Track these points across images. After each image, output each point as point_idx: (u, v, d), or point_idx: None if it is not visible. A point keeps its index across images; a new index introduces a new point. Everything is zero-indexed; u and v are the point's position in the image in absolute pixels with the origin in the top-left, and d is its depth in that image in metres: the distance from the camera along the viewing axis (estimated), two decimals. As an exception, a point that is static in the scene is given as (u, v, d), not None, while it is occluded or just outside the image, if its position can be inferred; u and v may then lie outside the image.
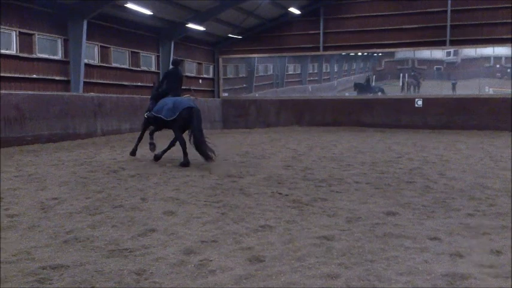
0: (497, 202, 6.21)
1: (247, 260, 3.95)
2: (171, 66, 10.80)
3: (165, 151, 10.05)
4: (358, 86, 24.71)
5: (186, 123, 9.70)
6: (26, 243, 4.30)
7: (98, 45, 18.33)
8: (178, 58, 11.74)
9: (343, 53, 24.92)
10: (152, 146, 10.15)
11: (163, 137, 11.88)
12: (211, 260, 3.92)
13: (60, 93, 15.61)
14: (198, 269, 3.73)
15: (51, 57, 16.28)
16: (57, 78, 16.37)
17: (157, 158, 9.96)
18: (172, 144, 10.04)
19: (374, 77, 24.48)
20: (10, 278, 3.46)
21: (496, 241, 4.48)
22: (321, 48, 24.96)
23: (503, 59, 22.22)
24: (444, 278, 3.53)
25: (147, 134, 10.62)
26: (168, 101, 9.87)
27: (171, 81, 10.38)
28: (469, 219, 5.31)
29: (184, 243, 4.38)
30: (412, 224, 5.10)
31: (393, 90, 23.97)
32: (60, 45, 16.55)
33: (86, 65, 17.19)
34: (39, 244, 4.29)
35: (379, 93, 24.21)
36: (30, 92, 14.06)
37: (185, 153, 9.61)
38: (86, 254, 4.04)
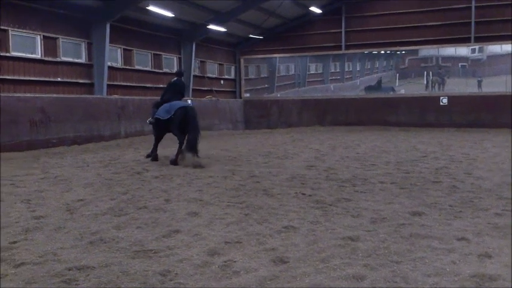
0: (526, 201, 6.04)
1: (271, 261, 3.92)
2: (174, 78, 11.37)
3: (177, 154, 10.17)
4: (369, 89, 24.57)
5: (182, 121, 10.11)
6: (52, 245, 4.35)
7: (120, 48, 18.57)
8: (182, 70, 12.79)
9: (366, 52, 24.67)
10: (153, 156, 10.65)
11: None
12: (235, 261, 3.90)
13: (84, 96, 15.88)
14: (222, 270, 3.71)
15: (75, 60, 16.55)
16: (81, 81, 16.64)
17: (172, 162, 10.01)
18: (180, 146, 10.20)
19: (398, 75, 24.17)
20: (37, 279, 3.51)
21: (525, 241, 4.36)
22: (343, 47, 24.76)
23: (530, 55, 21.68)
24: (472, 279, 3.46)
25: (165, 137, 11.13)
26: (166, 104, 10.48)
27: (173, 91, 10.96)
28: (497, 219, 5.18)
29: (208, 244, 4.37)
30: (439, 225, 5.00)
31: (417, 88, 23.62)
32: (83, 49, 16.82)
33: (109, 67, 17.43)
34: (66, 245, 4.33)
35: (391, 93, 24.01)
36: (54, 95, 14.34)
37: (178, 153, 10.07)
38: (111, 255, 4.06)
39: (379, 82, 24.46)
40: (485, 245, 4.28)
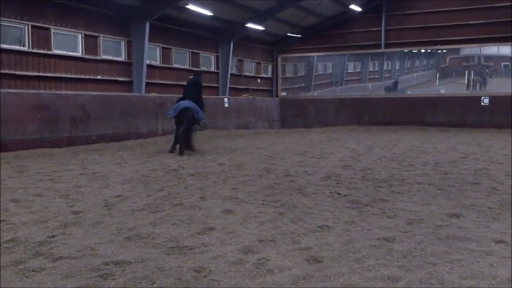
0: None
1: (305, 260, 3.91)
2: (192, 76, 13.02)
3: (181, 146, 11.52)
4: (387, 90, 24.52)
5: (182, 119, 11.63)
6: (89, 239, 4.47)
7: (159, 46, 18.89)
8: (200, 70, 15.43)
9: (406, 50, 24.17)
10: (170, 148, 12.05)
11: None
12: (269, 260, 3.91)
13: (123, 93, 16.25)
14: (256, 268, 3.73)
15: (115, 58, 16.93)
16: (121, 79, 17.01)
17: (180, 152, 11.37)
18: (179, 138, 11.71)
19: (438, 74, 23.58)
20: (74, 273, 3.61)
21: None
22: (383, 45, 24.34)
23: None
24: (510, 283, 3.37)
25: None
26: (176, 104, 12.01)
27: (190, 89, 12.37)
28: (539, 223, 5.00)
29: (242, 242, 4.40)
30: (477, 227, 4.87)
31: (458, 88, 22.97)
32: (123, 47, 17.18)
33: (148, 66, 17.74)
34: (103, 240, 4.45)
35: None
36: (94, 93, 14.73)
37: (174, 143, 11.92)
38: (147, 250, 4.15)
39: (396, 83, 24.39)
40: (524, 248, 4.14)
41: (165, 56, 19.31)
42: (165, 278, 3.50)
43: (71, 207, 5.78)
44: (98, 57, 16.20)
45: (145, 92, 17.37)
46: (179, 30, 19.61)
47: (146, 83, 17.52)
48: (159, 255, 4.01)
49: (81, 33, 15.58)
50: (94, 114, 13.87)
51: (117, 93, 15.95)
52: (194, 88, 12.40)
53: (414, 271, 3.62)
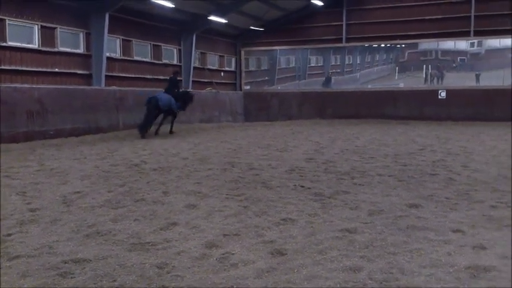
0: (521, 194, 6.06)
1: (269, 253, 3.92)
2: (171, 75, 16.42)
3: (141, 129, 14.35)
4: (323, 85, 25.48)
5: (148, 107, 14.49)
6: (48, 237, 4.34)
7: (119, 38, 18.47)
8: (175, 69, 18.87)
9: (366, 45, 24.58)
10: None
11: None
12: (233, 254, 3.91)
13: (82, 87, 15.81)
14: (220, 263, 3.72)
15: (73, 50, 16.46)
16: (79, 72, 16.56)
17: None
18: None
19: (397, 68, 24.12)
20: (32, 272, 3.50)
21: (520, 233, 4.38)
22: (344, 39, 24.67)
23: (527, 49, 21.66)
24: (467, 271, 3.49)
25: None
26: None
27: (169, 85, 15.93)
28: (492, 211, 5.22)
29: (206, 236, 4.38)
30: (435, 217, 5.02)
31: (416, 81, 23.59)
32: (82, 39, 16.71)
33: (108, 58, 17.34)
34: (61, 238, 4.33)
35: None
36: (52, 86, 14.27)
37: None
38: (108, 247, 4.06)
39: (328, 79, 25.20)
40: (480, 236, 4.31)
41: (126, 48, 18.91)
42: (127, 275, 3.44)
43: (27, 205, 5.60)
44: (55, 50, 15.70)
45: (105, 85, 16.97)
46: (140, 22, 19.22)
47: (106, 75, 17.12)
48: (120, 252, 3.94)
49: (38, 24, 15.04)
50: (52, 108, 13.43)
51: (76, 87, 15.50)
52: (171, 84, 15.88)
53: (375, 261, 3.70)
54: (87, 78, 16.84)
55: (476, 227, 4.62)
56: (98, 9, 16.40)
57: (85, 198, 5.97)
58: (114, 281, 3.35)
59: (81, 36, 16.69)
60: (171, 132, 15.60)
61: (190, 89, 20.09)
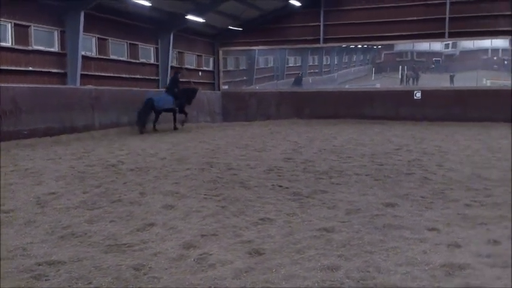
0: (494, 192, 6.21)
1: (247, 253, 3.92)
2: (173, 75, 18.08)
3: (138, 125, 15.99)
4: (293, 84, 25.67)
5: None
6: (21, 239, 4.25)
7: (95, 37, 18.19)
8: (179, 67, 20.70)
9: (344, 45, 24.79)
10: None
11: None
12: (211, 254, 3.89)
13: (56, 86, 15.51)
14: (198, 263, 3.70)
15: (48, 49, 16.13)
16: (54, 70, 16.25)
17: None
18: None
19: (374, 69, 24.40)
20: (5, 274, 3.42)
21: (493, 231, 4.49)
22: (321, 40, 24.82)
23: (500, 51, 22.16)
24: (442, 268, 3.54)
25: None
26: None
27: (170, 84, 17.67)
28: (467, 210, 5.32)
29: (183, 237, 4.35)
30: (411, 215, 5.10)
31: (392, 82, 23.91)
32: (56, 37, 16.40)
33: (83, 57, 17.05)
34: (35, 240, 4.25)
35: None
36: (25, 85, 13.95)
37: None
38: (83, 249, 4.00)
39: (298, 79, 25.34)
40: (454, 235, 4.39)
41: (102, 47, 18.63)
42: (103, 277, 3.39)
43: (1, 206, 5.45)
44: (29, 48, 15.36)
45: (81, 84, 16.69)
46: (116, 20, 18.96)
47: (81, 74, 16.83)
48: (95, 253, 3.88)
49: (11, 22, 14.69)
50: (25, 108, 13.13)
51: (50, 86, 15.20)
52: (172, 83, 17.44)
53: (352, 260, 3.73)
54: (62, 77, 16.53)
55: (451, 225, 4.70)
56: (73, 7, 16.11)
57: (60, 199, 5.86)
58: (90, 283, 3.30)
59: (56, 34, 16.38)
60: (175, 128, 17.26)
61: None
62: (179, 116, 17.62)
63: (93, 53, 18.25)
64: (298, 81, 25.45)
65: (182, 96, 17.35)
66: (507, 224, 4.72)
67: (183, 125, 17.59)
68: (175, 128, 17.22)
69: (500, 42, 22.08)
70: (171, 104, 16.83)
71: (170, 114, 17.44)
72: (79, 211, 5.28)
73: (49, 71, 16.08)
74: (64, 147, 11.50)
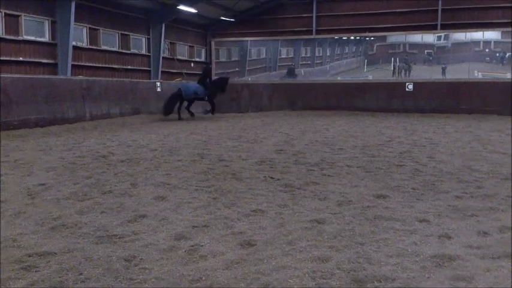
0: (484, 184, 6.25)
1: (239, 244, 3.92)
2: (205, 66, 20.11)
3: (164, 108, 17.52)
4: (287, 76, 25.75)
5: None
6: (12, 230, 4.22)
7: (86, 27, 18.04)
8: (208, 62, 22.08)
9: (336, 37, 24.75)
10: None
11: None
12: (202, 245, 3.88)
13: (47, 76, 15.38)
14: (189, 255, 3.69)
15: (38, 39, 15.98)
16: (44, 61, 16.11)
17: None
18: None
19: (366, 61, 24.42)
20: (-5, 265, 3.39)
21: (483, 222, 4.52)
22: (314, 31, 24.79)
23: (492, 43, 22.27)
24: (432, 260, 3.56)
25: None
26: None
27: (202, 76, 18.87)
28: (457, 202, 5.35)
29: (175, 228, 4.34)
30: (402, 207, 5.12)
31: (385, 74, 23.95)
32: (47, 27, 16.25)
33: (74, 47, 16.93)
34: (26, 231, 4.21)
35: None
36: (16, 75, 13.82)
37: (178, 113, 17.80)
38: (73, 240, 3.97)
39: (291, 70, 25.36)
40: (445, 226, 4.41)
41: (93, 37, 18.49)
42: (93, 269, 3.37)
43: (-3, 197, 5.42)
44: (20, 38, 15.21)
45: (72, 74, 16.57)
46: (107, 10, 18.81)
47: (72, 65, 16.72)
48: (86, 245, 3.86)
49: (1, 12, 14.52)
50: (16, 99, 13.02)
51: (41, 76, 15.06)
52: (204, 75, 18.84)
53: (343, 251, 3.74)
54: (53, 68, 16.41)
55: (442, 216, 4.72)
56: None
57: (50, 190, 5.82)
58: (80, 274, 3.28)
59: (47, 24, 16.22)
60: (212, 113, 18.88)
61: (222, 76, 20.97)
62: (204, 106, 19.39)
63: (84, 43, 18.11)
64: (290, 72, 25.41)
65: (215, 86, 18.69)
66: (497, 215, 4.76)
67: (205, 114, 18.98)
68: (212, 113, 18.85)
69: (492, 35, 22.17)
70: (200, 94, 17.99)
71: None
72: (69, 202, 5.24)
73: (40, 62, 15.95)
74: (55, 138, 11.41)
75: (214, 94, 18.77)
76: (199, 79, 18.87)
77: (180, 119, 17.60)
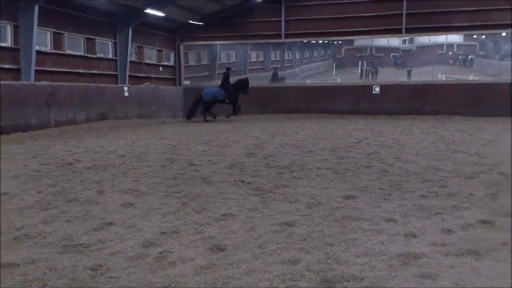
0: (448, 183, 6.42)
1: (209, 249, 3.89)
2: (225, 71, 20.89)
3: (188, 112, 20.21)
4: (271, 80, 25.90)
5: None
6: (-28, 241, 4.07)
7: (50, 31, 17.62)
8: (229, 67, 22.08)
9: (305, 41, 24.99)
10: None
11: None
12: (171, 252, 3.84)
13: (10, 82, 14.92)
14: (158, 262, 3.64)
15: (0, 44, 15.52)
16: (7, 66, 15.65)
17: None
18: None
19: (334, 64, 24.72)
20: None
21: (447, 221, 4.63)
22: (283, 35, 24.93)
23: (455, 46, 22.95)
24: (399, 258, 3.62)
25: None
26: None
27: (222, 79, 20.59)
28: (422, 201, 5.47)
29: (143, 235, 4.27)
30: (370, 207, 5.20)
31: (352, 77, 24.31)
32: (9, 32, 15.79)
33: (38, 52, 16.50)
34: (-13, 242, 4.07)
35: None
36: (-23, 82, 13.38)
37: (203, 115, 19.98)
38: (37, 250, 3.86)
39: (275, 74, 25.55)
40: (411, 225, 4.51)
41: (57, 41, 18.07)
42: (58, 279, 3.28)
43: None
44: (-20, 43, 14.74)
45: (36, 80, 16.14)
46: (72, 14, 18.42)
47: (36, 70, 16.29)
48: (51, 255, 3.75)
49: (-41, 15, 14.04)
50: (-24, 105, 12.60)
51: (3, 82, 14.61)
52: (224, 79, 20.32)
53: (313, 252, 3.77)
54: (16, 73, 15.94)
55: (408, 216, 4.82)
56: (27, 1, 15.54)
57: (13, 199, 5.64)
58: (45, 285, 3.20)
59: (9, 28, 15.77)
60: (235, 114, 20.27)
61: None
62: (227, 109, 20.34)
63: (48, 48, 17.69)
64: (275, 76, 25.35)
65: (236, 88, 20.03)
66: (460, 213, 4.89)
67: (228, 117, 20.24)
68: (234, 113, 20.20)
69: (455, 38, 22.85)
70: (220, 97, 19.62)
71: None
72: (33, 211, 5.10)
73: (2, 67, 15.47)
74: (18, 146, 11.09)
75: (236, 96, 19.95)
76: (220, 83, 20.50)
77: (205, 120, 19.47)
